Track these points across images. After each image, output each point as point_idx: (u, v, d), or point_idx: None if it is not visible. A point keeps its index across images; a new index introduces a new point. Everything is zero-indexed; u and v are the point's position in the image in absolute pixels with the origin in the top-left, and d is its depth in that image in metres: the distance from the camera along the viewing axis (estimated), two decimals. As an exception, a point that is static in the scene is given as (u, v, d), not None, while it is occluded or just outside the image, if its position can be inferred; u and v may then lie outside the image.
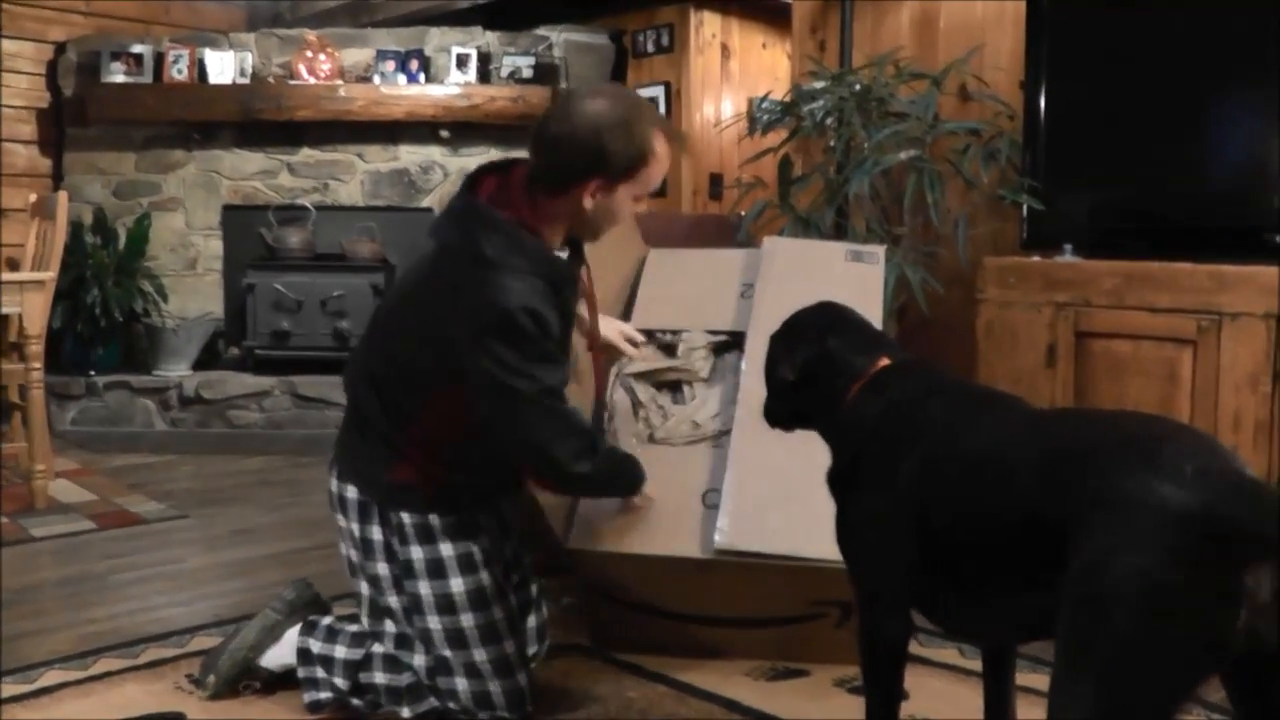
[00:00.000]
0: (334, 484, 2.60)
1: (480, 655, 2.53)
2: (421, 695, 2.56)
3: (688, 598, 2.87)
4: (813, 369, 2.21)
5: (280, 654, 2.70)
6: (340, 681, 2.59)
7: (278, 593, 2.81)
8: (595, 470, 2.49)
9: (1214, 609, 1.53)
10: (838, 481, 2.18)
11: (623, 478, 2.69)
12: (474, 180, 2.50)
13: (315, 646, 2.63)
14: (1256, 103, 3.18)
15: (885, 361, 2.17)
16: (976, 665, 2.62)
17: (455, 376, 2.40)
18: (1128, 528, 1.57)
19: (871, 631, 2.11)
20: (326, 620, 2.70)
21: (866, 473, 2.08)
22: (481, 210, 2.44)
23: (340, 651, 2.61)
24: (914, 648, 2.95)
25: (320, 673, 2.62)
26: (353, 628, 2.65)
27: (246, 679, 2.72)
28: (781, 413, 2.34)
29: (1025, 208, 3.44)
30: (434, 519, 2.52)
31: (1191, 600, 1.53)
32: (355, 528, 2.57)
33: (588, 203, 2.42)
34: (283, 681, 2.70)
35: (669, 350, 3.22)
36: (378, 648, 2.59)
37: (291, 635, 2.69)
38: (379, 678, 2.57)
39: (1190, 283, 2.91)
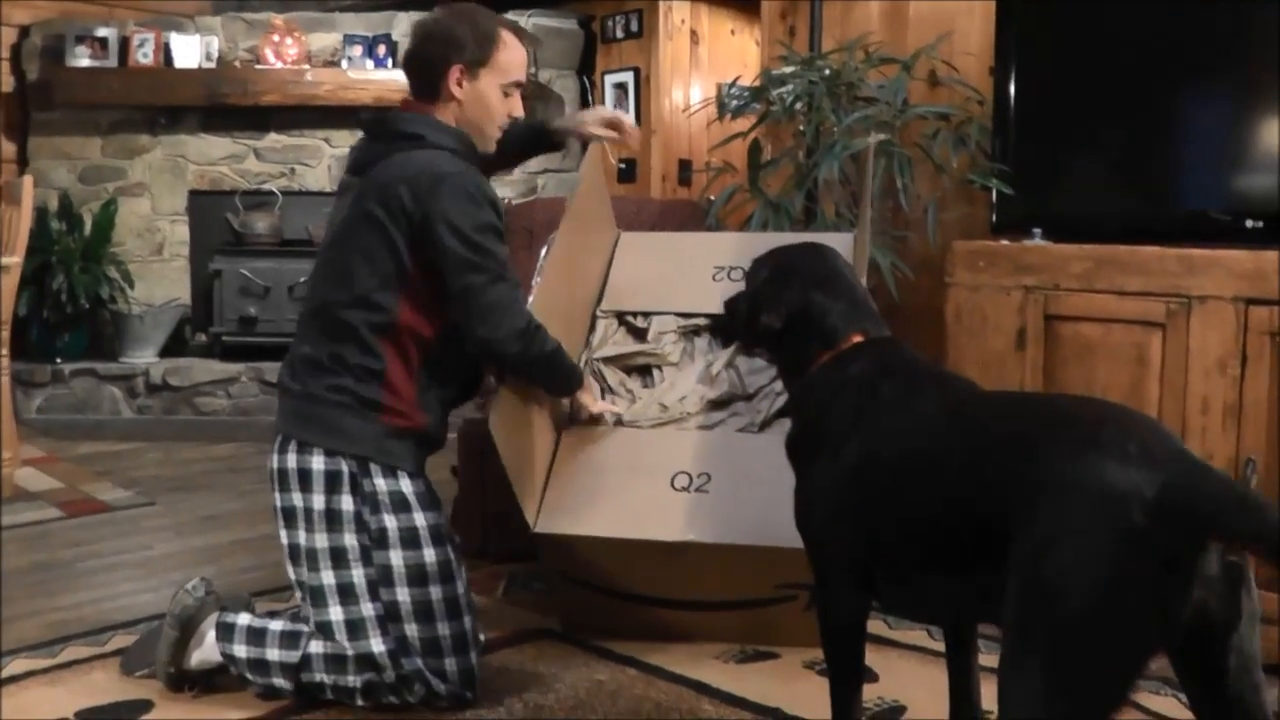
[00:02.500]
0: (291, 459, 2.58)
1: (443, 630, 2.55)
2: (379, 694, 2.55)
3: (656, 581, 2.87)
4: (791, 323, 2.25)
5: (205, 655, 2.64)
6: (281, 682, 2.57)
7: (180, 597, 2.70)
8: (527, 354, 2.59)
9: (1164, 589, 1.55)
10: (794, 451, 2.23)
11: (558, 374, 2.78)
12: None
13: (241, 651, 2.59)
14: (1225, 87, 3.19)
15: (858, 338, 2.19)
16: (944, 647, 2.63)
17: (416, 255, 2.56)
18: (1075, 510, 1.58)
19: (824, 609, 2.14)
20: (243, 620, 2.64)
21: (818, 447, 2.12)
22: (388, 111, 2.80)
23: (273, 654, 2.57)
24: (882, 630, 3.00)
25: (256, 677, 2.59)
26: (277, 625, 2.61)
27: (187, 686, 2.67)
28: (742, 338, 2.49)
29: (994, 192, 3.44)
30: (407, 486, 2.56)
31: (1142, 581, 1.54)
32: (320, 500, 2.55)
33: (457, 91, 2.66)
34: (220, 673, 2.66)
35: (639, 334, 3.22)
36: (315, 647, 2.55)
37: (211, 637, 2.63)
38: (322, 677, 2.55)
39: (1159, 266, 2.92)
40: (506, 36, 2.70)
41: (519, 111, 2.76)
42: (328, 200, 6.22)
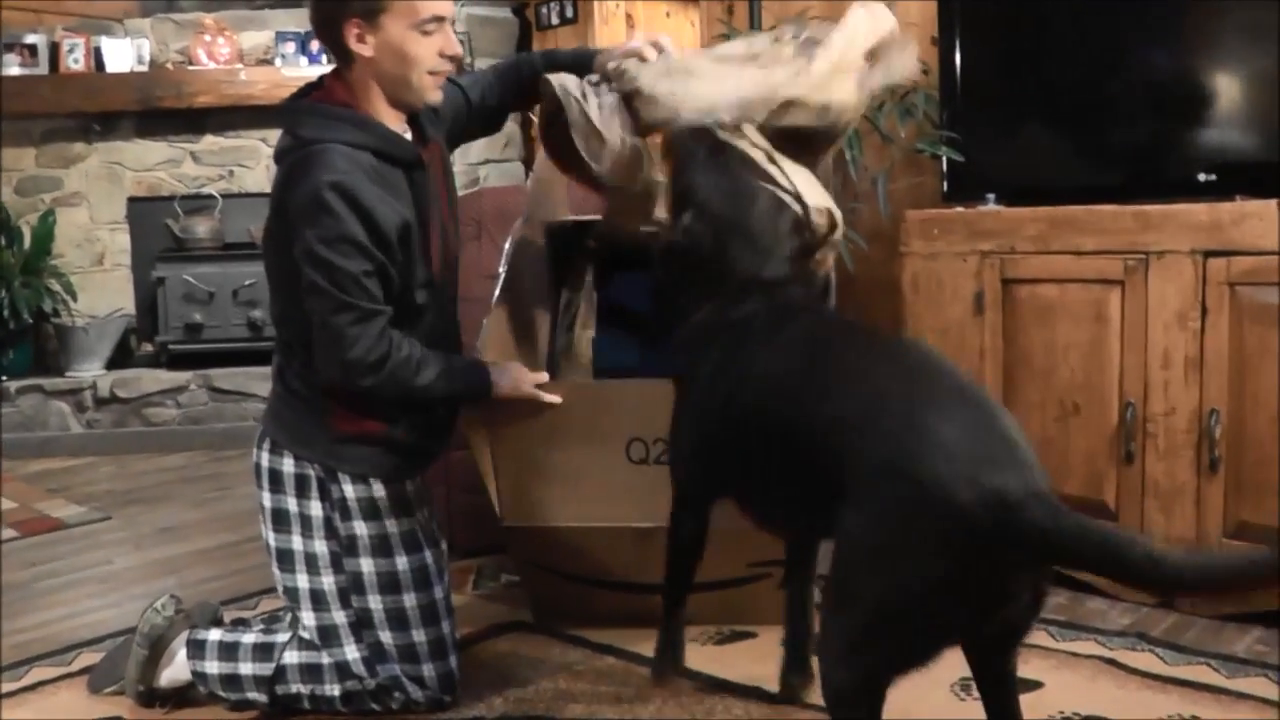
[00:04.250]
0: (265, 458, 2.51)
1: (419, 636, 2.50)
2: (359, 701, 2.50)
3: (629, 567, 2.84)
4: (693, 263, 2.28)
5: (176, 673, 2.58)
6: (256, 696, 2.51)
7: (147, 617, 2.64)
8: (386, 388, 2.37)
9: (974, 600, 1.62)
10: (676, 385, 2.32)
11: (447, 397, 2.51)
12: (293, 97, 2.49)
13: (212, 668, 2.53)
14: (1170, 42, 3.20)
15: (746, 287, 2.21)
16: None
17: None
18: (904, 505, 1.60)
19: (673, 529, 2.37)
20: (214, 635, 2.58)
21: (691, 379, 2.22)
22: (293, 105, 2.45)
23: (247, 668, 2.51)
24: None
25: (229, 693, 2.54)
26: (250, 638, 2.55)
27: (158, 703, 2.61)
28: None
29: (944, 160, 3.45)
30: (378, 491, 2.46)
31: (955, 589, 1.59)
32: (292, 502, 2.49)
33: (361, 49, 2.32)
34: (192, 688, 2.60)
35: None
36: (290, 657, 2.50)
37: (182, 656, 2.58)
38: (298, 688, 2.50)
39: (1115, 224, 2.93)
40: None
41: (454, 49, 2.39)
42: (268, 202, 6.17)
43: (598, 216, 3.00)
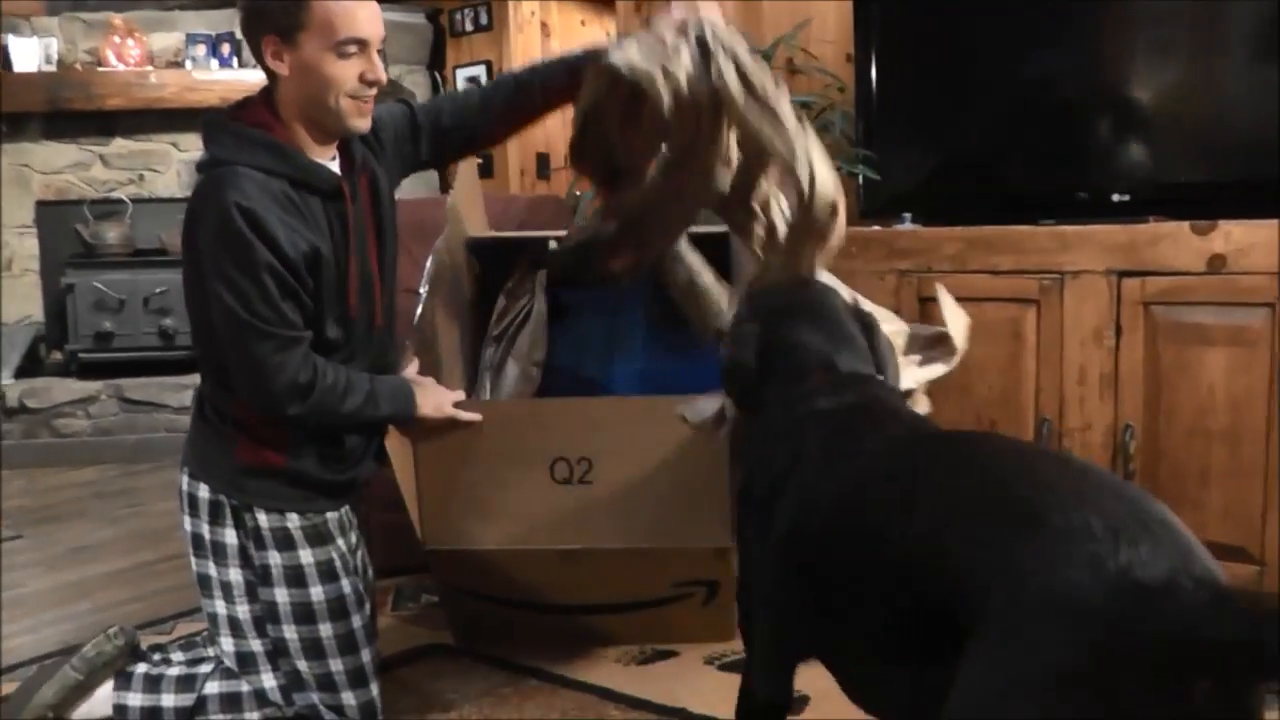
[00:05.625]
0: (185, 482, 2.47)
1: (337, 666, 2.45)
2: None
3: (551, 588, 2.84)
4: (760, 360, 1.97)
5: (94, 709, 2.51)
6: None
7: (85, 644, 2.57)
8: (311, 415, 2.32)
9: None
10: (737, 509, 2.00)
11: (373, 419, 2.44)
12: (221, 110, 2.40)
13: (135, 700, 2.48)
14: (1084, 64, 3.25)
15: (821, 375, 1.90)
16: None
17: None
18: (1031, 614, 1.24)
19: (744, 687, 1.97)
20: (142, 668, 2.53)
21: (752, 506, 1.87)
22: (214, 119, 2.35)
23: (168, 700, 2.47)
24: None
25: None
26: (174, 671, 2.51)
27: None
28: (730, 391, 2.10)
29: (861, 178, 3.48)
30: (293, 521, 2.41)
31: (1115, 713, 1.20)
32: (206, 530, 2.44)
33: (279, 68, 2.25)
34: None
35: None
36: (211, 688, 2.46)
37: (104, 691, 2.51)
38: (218, 719, 2.46)
39: (1031, 244, 2.98)
40: None
41: (376, 74, 2.29)
42: (179, 207, 6.04)
43: (532, 234, 3.00)
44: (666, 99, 2.30)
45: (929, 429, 1.79)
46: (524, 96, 2.65)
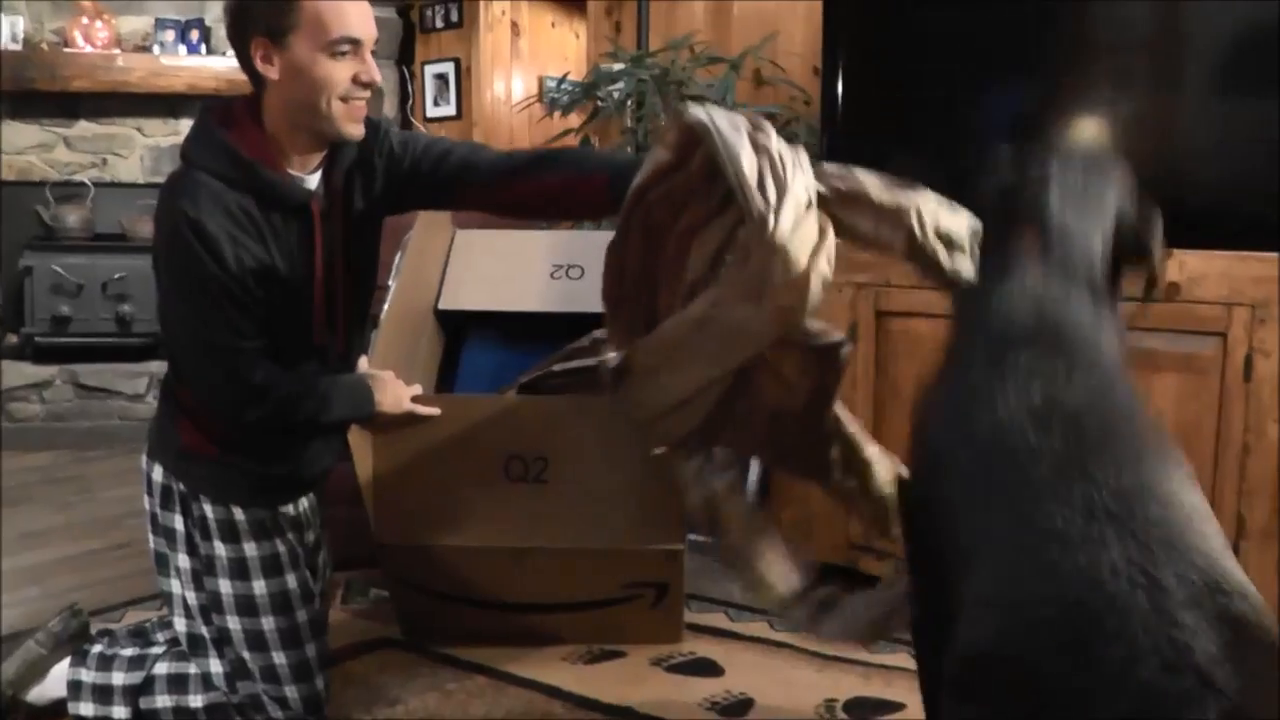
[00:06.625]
0: (144, 461, 2.47)
1: (280, 659, 2.46)
2: (224, 715, 2.46)
3: (502, 586, 2.85)
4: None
5: (47, 689, 2.54)
6: (120, 712, 2.47)
7: (46, 622, 2.59)
8: (273, 420, 2.30)
9: None
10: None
11: (331, 421, 2.42)
12: (221, 100, 2.38)
13: (88, 677, 2.50)
14: (1043, 85, 3.29)
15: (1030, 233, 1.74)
16: (785, 637, 2.71)
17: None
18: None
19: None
20: (98, 648, 2.56)
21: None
22: (200, 116, 2.31)
23: (118, 678, 2.48)
24: (723, 622, 3.05)
25: (94, 708, 2.49)
26: (128, 651, 2.53)
27: (12, 715, 2.55)
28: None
29: (823, 189, 3.51)
30: (238, 514, 2.41)
31: None
32: (159, 513, 2.45)
33: (268, 71, 2.19)
34: (51, 715, 2.54)
35: None
36: (160, 668, 2.48)
37: (60, 669, 2.53)
38: (162, 700, 2.47)
39: (985, 262, 3.02)
40: None
41: (370, 75, 2.22)
42: (142, 193, 6.08)
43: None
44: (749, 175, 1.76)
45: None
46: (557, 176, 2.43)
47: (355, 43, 2.20)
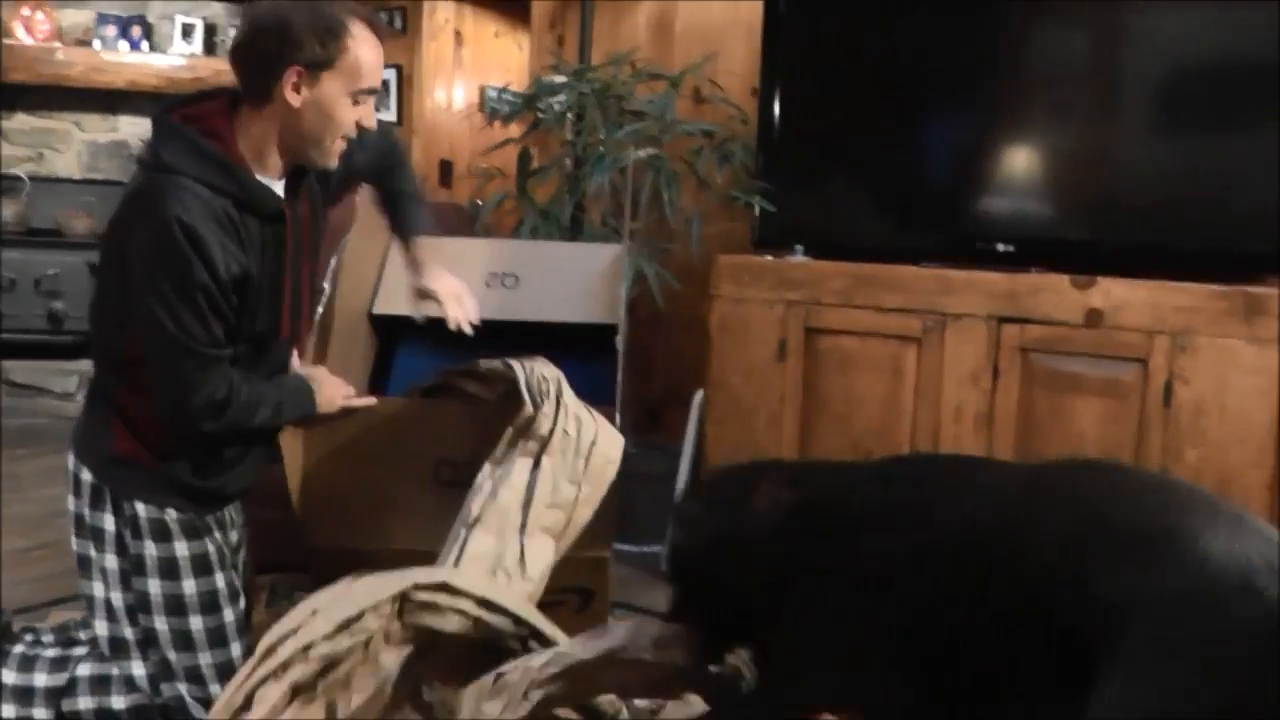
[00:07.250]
0: (71, 461, 2.45)
1: (206, 659, 2.45)
2: (147, 716, 2.45)
3: (430, 590, 2.85)
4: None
5: None
6: (41, 713, 2.45)
7: None
8: (229, 429, 2.32)
9: None
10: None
11: (280, 423, 2.47)
12: (173, 102, 2.35)
13: (9, 678, 2.47)
14: (978, 115, 3.39)
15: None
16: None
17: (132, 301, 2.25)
18: (1186, 657, 1.19)
19: None
20: (19, 648, 2.53)
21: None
22: (165, 121, 2.29)
23: (40, 680, 2.46)
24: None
25: (15, 710, 2.47)
26: (50, 652, 2.52)
27: None
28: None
29: (757, 208, 3.56)
30: (170, 514, 2.39)
31: None
32: (87, 513, 2.43)
33: (293, 98, 2.22)
34: None
35: None
36: (83, 670, 2.46)
37: None
38: (84, 703, 2.45)
39: (916, 285, 3.09)
40: (358, 30, 2.25)
41: (370, 122, 2.32)
42: (78, 188, 6.04)
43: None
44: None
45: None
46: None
47: (375, 93, 2.33)
